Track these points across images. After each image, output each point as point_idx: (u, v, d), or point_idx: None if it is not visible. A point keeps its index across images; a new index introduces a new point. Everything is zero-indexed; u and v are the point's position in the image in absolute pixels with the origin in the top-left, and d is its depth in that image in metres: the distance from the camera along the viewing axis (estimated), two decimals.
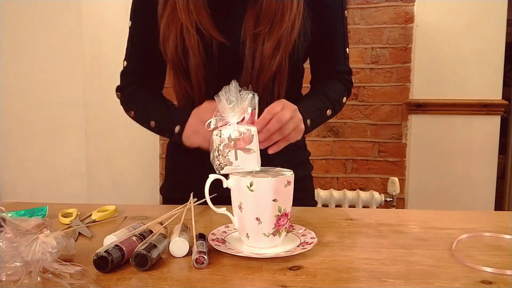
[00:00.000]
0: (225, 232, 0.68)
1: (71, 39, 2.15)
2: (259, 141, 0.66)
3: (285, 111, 0.72)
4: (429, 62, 2.07)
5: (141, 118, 0.92)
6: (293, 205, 0.65)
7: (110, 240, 0.61)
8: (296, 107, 0.76)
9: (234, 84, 0.62)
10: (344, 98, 0.97)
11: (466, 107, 2.07)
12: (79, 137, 2.22)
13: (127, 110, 0.95)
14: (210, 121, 0.63)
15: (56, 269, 0.49)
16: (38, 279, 0.48)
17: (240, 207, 0.62)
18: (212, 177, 0.63)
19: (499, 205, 2.43)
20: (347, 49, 0.97)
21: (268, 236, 0.61)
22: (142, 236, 0.61)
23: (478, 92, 2.05)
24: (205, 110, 0.78)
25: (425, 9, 2.05)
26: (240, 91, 0.62)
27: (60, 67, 2.19)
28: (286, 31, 0.84)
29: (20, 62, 2.22)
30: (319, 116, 0.89)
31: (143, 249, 0.54)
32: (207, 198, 0.64)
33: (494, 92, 2.05)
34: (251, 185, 0.59)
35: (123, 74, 0.98)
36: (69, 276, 0.50)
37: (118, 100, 0.98)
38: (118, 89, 0.98)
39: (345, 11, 0.95)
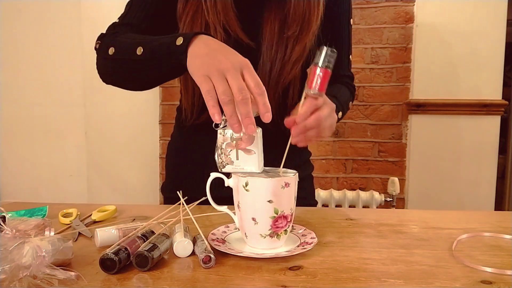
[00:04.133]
0: (225, 232, 0.69)
1: (71, 39, 2.15)
2: (293, 136, 0.67)
3: (324, 109, 0.70)
4: (429, 62, 2.07)
5: (122, 51, 0.75)
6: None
7: (102, 233, 0.63)
8: (334, 105, 0.74)
9: None
10: (350, 103, 0.98)
11: (466, 107, 2.07)
12: (79, 137, 2.22)
13: (104, 49, 0.79)
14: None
15: (47, 274, 0.48)
16: (27, 285, 0.46)
17: (238, 207, 0.62)
18: (213, 175, 0.64)
19: (499, 205, 2.43)
20: (350, 55, 1.00)
21: (265, 237, 0.61)
22: (144, 237, 0.61)
23: (478, 92, 2.05)
24: (238, 64, 0.60)
25: (425, 9, 2.05)
26: None
27: (60, 67, 2.18)
28: (312, 36, 0.85)
29: (20, 62, 2.22)
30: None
31: (144, 249, 0.54)
32: (209, 196, 0.65)
33: (494, 92, 2.05)
34: (246, 185, 0.60)
35: (112, 26, 0.85)
36: (56, 283, 0.48)
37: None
38: (100, 37, 0.84)
39: (351, 19, 0.97)
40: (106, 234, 0.63)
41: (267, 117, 0.58)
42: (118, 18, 0.87)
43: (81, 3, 2.14)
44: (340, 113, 0.91)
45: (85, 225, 0.75)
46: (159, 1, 0.86)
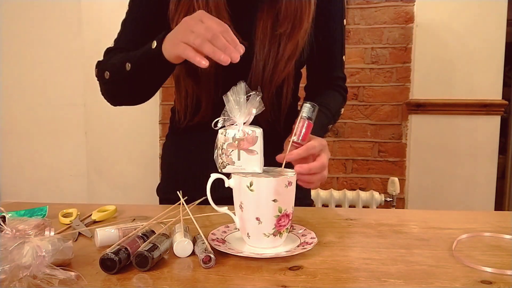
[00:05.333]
0: (225, 232, 0.69)
1: (71, 39, 2.15)
2: (300, 179, 0.68)
3: (324, 156, 0.72)
4: (429, 62, 2.07)
5: (115, 72, 0.82)
6: None
7: (102, 233, 0.63)
8: (329, 154, 0.75)
9: (242, 85, 0.62)
10: (342, 109, 0.99)
11: (466, 107, 2.07)
12: (79, 137, 2.22)
13: (101, 75, 0.84)
14: (218, 120, 0.64)
15: (46, 274, 0.48)
16: (27, 285, 0.46)
17: (241, 207, 0.62)
18: (213, 176, 0.63)
19: (499, 205, 2.43)
20: (344, 56, 1.00)
21: (269, 236, 0.61)
22: (144, 237, 0.61)
23: (478, 92, 2.05)
24: (196, 16, 0.65)
25: (425, 9, 2.05)
26: (247, 91, 0.62)
27: (60, 67, 2.19)
28: (304, 33, 0.85)
29: (20, 62, 2.22)
30: (323, 133, 0.90)
31: (144, 249, 0.54)
32: (209, 197, 0.64)
33: (494, 92, 2.05)
34: (251, 185, 0.60)
35: (107, 51, 0.91)
36: (56, 283, 0.48)
37: None
38: (97, 64, 0.89)
39: (344, 20, 0.97)
40: (106, 234, 0.63)
41: (238, 49, 0.62)
42: (114, 41, 0.91)
43: (81, 3, 2.14)
44: (331, 126, 0.93)
45: (85, 225, 0.75)
46: (147, 26, 0.88)
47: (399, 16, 2.06)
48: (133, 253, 0.55)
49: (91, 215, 0.80)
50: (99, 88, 0.88)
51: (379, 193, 2.04)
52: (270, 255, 0.59)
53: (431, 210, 0.87)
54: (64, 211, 0.82)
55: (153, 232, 0.63)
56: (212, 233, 0.66)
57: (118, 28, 0.92)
